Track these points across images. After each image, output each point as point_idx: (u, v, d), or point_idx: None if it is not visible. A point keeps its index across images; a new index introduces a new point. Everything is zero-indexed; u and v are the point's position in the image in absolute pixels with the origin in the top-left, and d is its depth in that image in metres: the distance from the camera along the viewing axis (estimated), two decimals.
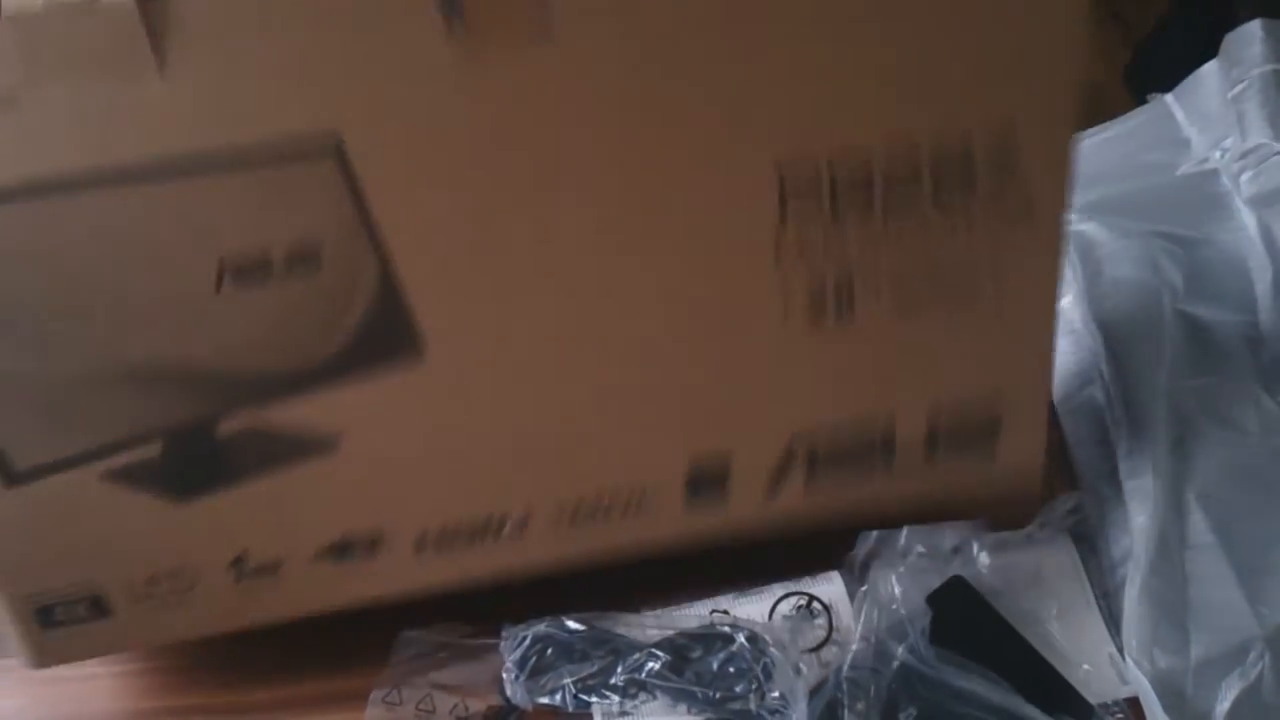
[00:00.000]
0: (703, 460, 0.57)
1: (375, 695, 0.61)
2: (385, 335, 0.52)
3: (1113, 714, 0.60)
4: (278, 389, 0.52)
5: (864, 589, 0.61)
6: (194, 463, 0.54)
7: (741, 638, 0.60)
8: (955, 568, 0.62)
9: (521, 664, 0.60)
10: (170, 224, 0.49)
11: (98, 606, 0.57)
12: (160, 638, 0.61)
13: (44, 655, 0.59)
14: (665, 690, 0.59)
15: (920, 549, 0.61)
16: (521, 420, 0.55)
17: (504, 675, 0.60)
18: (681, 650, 0.60)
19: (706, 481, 0.58)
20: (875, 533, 0.63)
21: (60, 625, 0.57)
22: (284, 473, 0.54)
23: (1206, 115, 0.78)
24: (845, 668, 0.58)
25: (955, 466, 0.60)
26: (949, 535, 0.63)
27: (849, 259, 0.53)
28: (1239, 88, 0.75)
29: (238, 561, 0.57)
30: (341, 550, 0.57)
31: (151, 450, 0.53)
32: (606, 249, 0.52)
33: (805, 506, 0.59)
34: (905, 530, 0.62)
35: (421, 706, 0.61)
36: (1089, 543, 0.66)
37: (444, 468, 0.56)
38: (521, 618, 0.62)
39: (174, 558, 0.56)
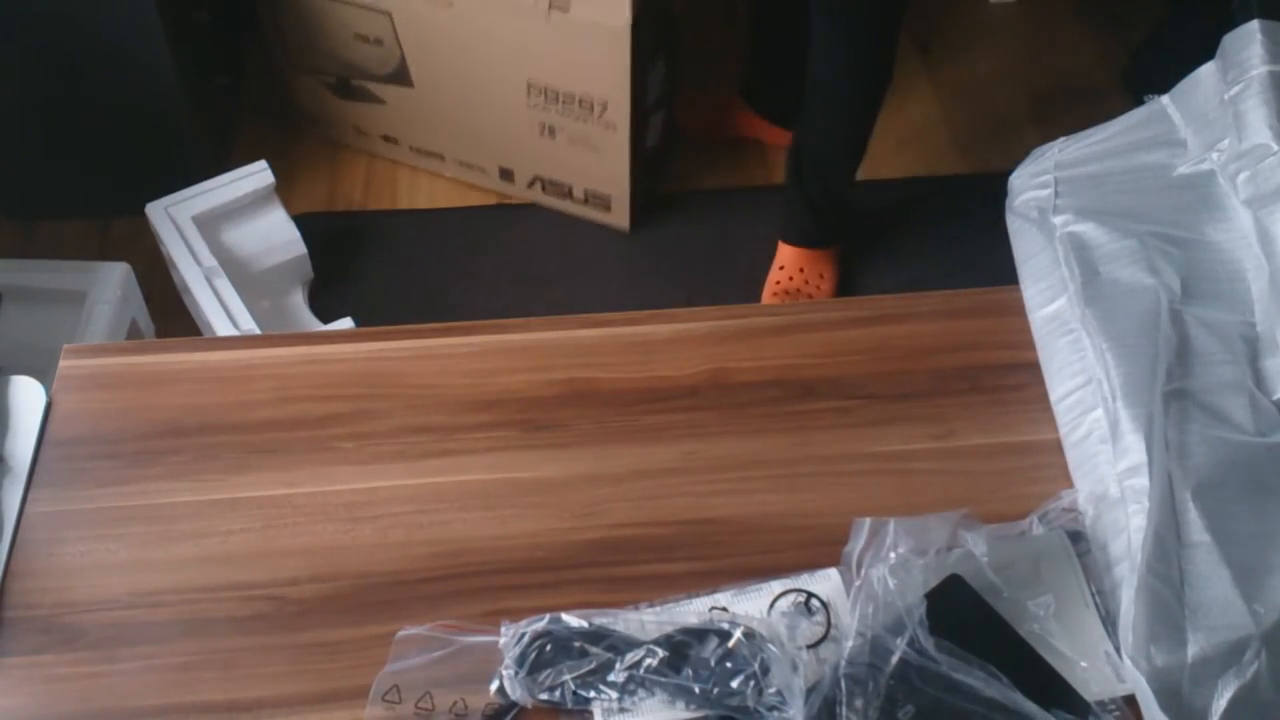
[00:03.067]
0: None
1: (375, 694, 0.61)
2: None
3: (1110, 712, 0.60)
4: None
5: (857, 584, 0.61)
6: None
7: (739, 634, 0.60)
8: (951, 564, 0.63)
9: (521, 661, 0.60)
10: None
11: None
12: None
13: None
14: (663, 686, 0.60)
15: (909, 542, 0.62)
16: None
17: (503, 672, 0.61)
18: (680, 646, 0.60)
19: None
20: (867, 523, 0.63)
21: None
22: None
23: (1203, 117, 0.78)
24: (842, 664, 0.59)
25: None
26: (936, 528, 0.63)
27: None
28: (1236, 89, 0.75)
29: None
30: None
31: None
32: None
33: None
34: (892, 523, 0.63)
35: (421, 704, 0.61)
36: (1085, 541, 0.66)
37: None
38: (520, 615, 0.62)
39: None
